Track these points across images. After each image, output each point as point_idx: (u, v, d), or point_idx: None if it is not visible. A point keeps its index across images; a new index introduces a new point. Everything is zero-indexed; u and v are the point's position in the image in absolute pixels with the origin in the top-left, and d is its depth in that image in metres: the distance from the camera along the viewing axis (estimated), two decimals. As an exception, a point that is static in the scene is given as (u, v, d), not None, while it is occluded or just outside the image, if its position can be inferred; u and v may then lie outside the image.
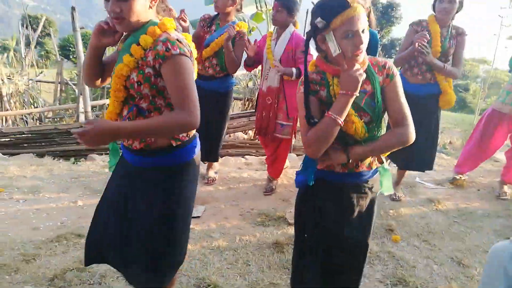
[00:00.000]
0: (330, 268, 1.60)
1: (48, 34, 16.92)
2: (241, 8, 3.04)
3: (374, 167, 1.54)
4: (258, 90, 3.23)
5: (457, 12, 2.86)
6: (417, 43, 2.72)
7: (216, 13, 3.02)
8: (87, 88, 4.53)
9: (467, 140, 3.91)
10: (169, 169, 1.49)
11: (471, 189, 3.77)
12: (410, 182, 3.79)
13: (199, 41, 2.96)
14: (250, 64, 3.13)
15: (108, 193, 1.63)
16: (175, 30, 1.41)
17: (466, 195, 3.62)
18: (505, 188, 3.64)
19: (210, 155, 3.28)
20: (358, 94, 1.35)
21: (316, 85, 1.45)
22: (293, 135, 3.28)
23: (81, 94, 4.59)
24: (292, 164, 4.03)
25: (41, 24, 8.48)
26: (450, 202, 3.41)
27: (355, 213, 1.54)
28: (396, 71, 1.43)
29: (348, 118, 1.40)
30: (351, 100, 1.35)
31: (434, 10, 2.92)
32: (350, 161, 1.44)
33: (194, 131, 1.56)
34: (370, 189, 1.54)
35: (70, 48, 18.96)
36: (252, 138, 5.36)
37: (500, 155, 4.41)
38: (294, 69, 2.88)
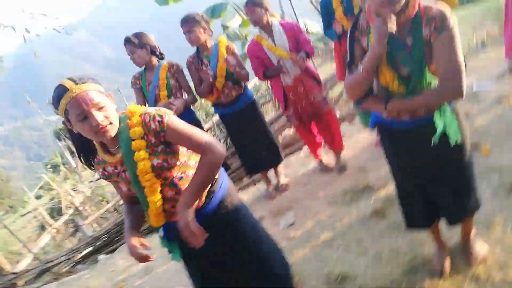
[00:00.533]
0: (434, 198, 1.66)
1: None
2: (212, 32, 3.05)
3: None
4: (278, 92, 3.19)
5: None
6: None
7: (195, 48, 3.06)
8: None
9: (503, 25, 3.67)
10: (224, 203, 1.60)
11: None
12: (469, 93, 3.61)
13: (205, 80, 2.99)
14: (273, 75, 3.10)
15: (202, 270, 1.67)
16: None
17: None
18: None
19: (275, 160, 3.38)
20: (382, 51, 1.38)
21: (360, 33, 1.51)
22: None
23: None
24: (347, 134, 4.01)
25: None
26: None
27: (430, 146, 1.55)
28: (449, 24, 1.34)
29: (380, 70, 1.43)
30: (375, 56, 1.38)
31: None
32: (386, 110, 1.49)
33: None
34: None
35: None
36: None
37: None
38: (303, 53, 2.92)
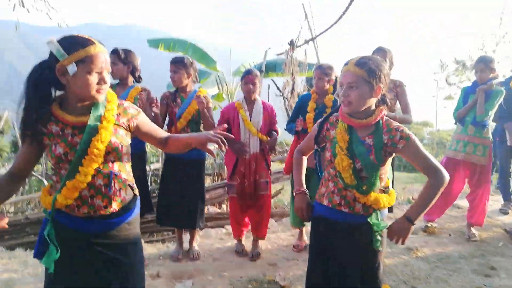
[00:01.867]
0: None
1: (1, 132, 16.62)
2: (197, 80, 3.25)
3: (370, 212, 1.74)
4: (229, 160, 3.34)
5: (389, 69, 3.31)
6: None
7: (174, 88, 3.22)
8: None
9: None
10: (129, 223, 1.62)
11: (443, 235, 3.98)
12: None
13: (170, 117, 3.16)
14: (233, 149, 3.22)
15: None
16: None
17: (440, 241, 3.82)
18: (473, 230, 3.89)
19: (192, 223, 3.26)
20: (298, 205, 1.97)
21: (330, 125, 1.82)
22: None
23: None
24: (272, 229, 4.09)
25: (2, 120, 8.40)
26: (427, 248, 3.58)
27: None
28: (412, 134, 1.68)
29: (339, 157, 1.68)
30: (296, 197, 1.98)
31: None
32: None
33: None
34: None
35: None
36: (227, 210, 5.41)
37: (461, 202, 4.75)
38: (274, 134, 3.20)
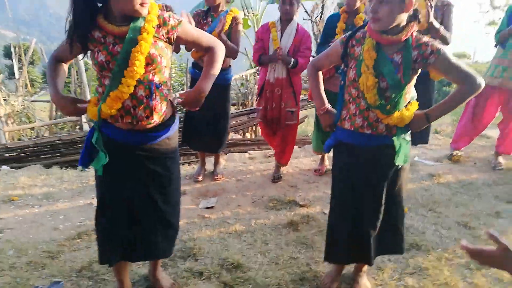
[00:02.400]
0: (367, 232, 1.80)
1: (31, 63, 16.92)
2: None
3: (394, 132, 1.70)
4: (260, 82, 3.30)
5: None
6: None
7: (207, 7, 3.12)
8: (88, 97, 4.59)
9: (459, 118, 4.08)
10: (169, 139, 1.68)
11: (468, 163, 3.93)
12: (410, 161, 3.92)
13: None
14: (266, 62, 3.16)
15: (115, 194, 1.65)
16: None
17: (464, 169, 3.77)
18: (500, 158, 3.80)
19: (220, 146, 3.35)
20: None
21: (356, 41, 1.71)
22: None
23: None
24: (294, 155, 4.14)
25: (30, 51, 8.50)
26: (450, 176, 3.56)
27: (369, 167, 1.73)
28: (442, 48, 1.58)
29: (364, 76, 1.59)
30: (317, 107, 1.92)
31: None
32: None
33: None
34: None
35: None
36: (251, 137, 5.48)
37: (491, 132, 4.59)
38: (292, 59, 3.03)
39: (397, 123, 1.66)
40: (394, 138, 1.68)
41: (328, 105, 1.90)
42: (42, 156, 4.20)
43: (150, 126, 1.57)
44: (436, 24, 2.93)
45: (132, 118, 1.52)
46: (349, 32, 1.76)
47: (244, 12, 9.40)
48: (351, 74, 1.70)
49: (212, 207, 2.96)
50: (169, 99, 1.65)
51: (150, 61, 1.48)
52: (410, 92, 1.70)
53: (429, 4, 2.84)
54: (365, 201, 1.77)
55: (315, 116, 3.56)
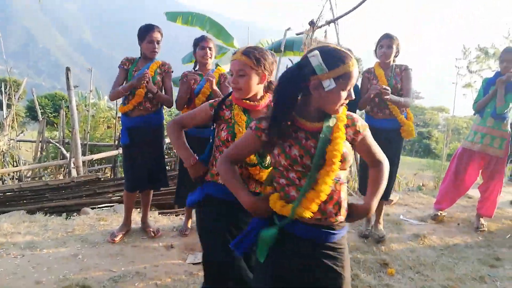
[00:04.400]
0: None
1: (18, 98, 16.92)
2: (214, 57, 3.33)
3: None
4: None
5: (395, 56, 3.33)
6: (378, 89, 3.12)
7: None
8: (79, 144, 4.60)
9: (441, 181, 4.25)
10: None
11: (451, 224, 4.03)
12: (396, 219, 4.02)
13: (190, 95, 3.17)
14: None
15: None
16: None
17: (448, 229, 3.87)
18: (482, 220, 3.92)
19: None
20: None
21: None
22: None
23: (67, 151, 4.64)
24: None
25: (22, 86, 8.58)
26: (434, 236, 3.63)
27: None
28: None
29: (240, 134, 1.79)
30: None
31: (376, 56, 3.39)
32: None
33: None
34: None
35: (46, 109, 19.09)
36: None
37: (472, 192, 4.76)
38: None
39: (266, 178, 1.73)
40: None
41: (195, 156, 1.92)
42: (26, 201, 4.11)
43: (336, 223, 1.48)
44: (395, 98, 3.17)
45: (321, 214, 1.45)
46: (219, 98, 1.97)
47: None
48: (223, 134, 1.82)
49: (200, 263, 2.92)
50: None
51: (342, 159, 1.43)
52: None
53: (383, 87, 3.11)
54: None
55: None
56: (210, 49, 3.16)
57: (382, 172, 1.57)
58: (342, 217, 1.49)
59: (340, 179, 1.47)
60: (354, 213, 1.53)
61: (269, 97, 1.81)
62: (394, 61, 3.38)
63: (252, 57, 1.76)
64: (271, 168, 1.69)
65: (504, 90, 3.58)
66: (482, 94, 3.79)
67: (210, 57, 3.19)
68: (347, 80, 1.38)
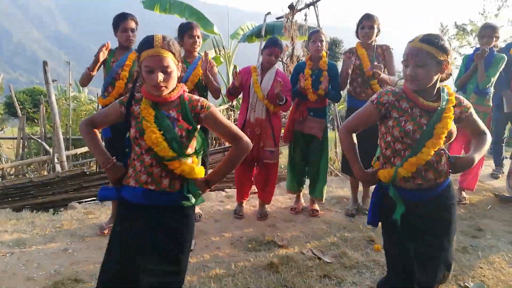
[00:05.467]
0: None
1: (-4, 94, 16.45)
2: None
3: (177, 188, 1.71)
4: (240, 121, 3.41)
5: (376, 35, 3.38)
6: (373, 70, 3.14)
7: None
8: (61, 139, 4.53)
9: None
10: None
11: (434, 199, 4.14)
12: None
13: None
14: (234, 93, 3.40)
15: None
16: None
17: (432, 204, 3.97)
18: (464, 194, 4.04)
19: None
20: None
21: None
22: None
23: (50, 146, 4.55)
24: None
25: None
26: (419, 211, 3.73)
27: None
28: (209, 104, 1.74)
29: (148, 129, 1.65)
30: None
31: (358, 37, 3.41)
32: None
33: None
34: None
35: (25, 105, 18.59)
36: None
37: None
38: (285, 97, 3.22)
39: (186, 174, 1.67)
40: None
41: (113, 159, 1.78)
42: (12, 199, 4.05)
43: (435, 185, 1.75)
44: (386, 77, 3.24)
45: (422, 179, 1.73)
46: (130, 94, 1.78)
47: (215, 51, 9.68)
48: (132, 132, 1.70)
49: (190, 250, 2.95)
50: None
51: (448, 136, 1.71)
52: (193, 146, 1.74)
53: (376, 64, 3.17)
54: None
55: (288, 156, 3.69)
56: (198, 37, 3.17)
57: (486, 139, 1.84)
58: (442, 181, 1.75)
59: (443, 150, 1.75)
60: (459, 164, 1.77)
61: (181, 87, 1.73)
62: (375, 41, 3.41)
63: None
64: (193, 157, 1.71)
65: (484, 66, 3.65)
66: (464, 71, 3.86)
67: (199, 45, 3.20)
68: None
